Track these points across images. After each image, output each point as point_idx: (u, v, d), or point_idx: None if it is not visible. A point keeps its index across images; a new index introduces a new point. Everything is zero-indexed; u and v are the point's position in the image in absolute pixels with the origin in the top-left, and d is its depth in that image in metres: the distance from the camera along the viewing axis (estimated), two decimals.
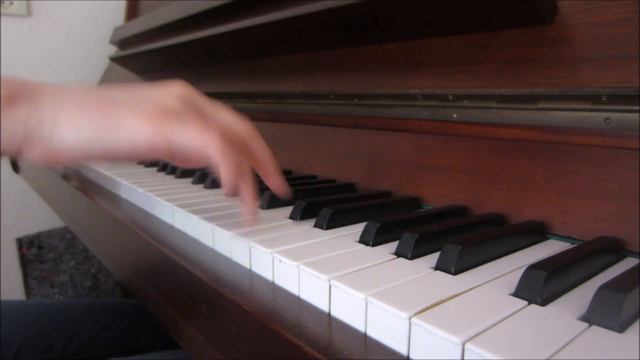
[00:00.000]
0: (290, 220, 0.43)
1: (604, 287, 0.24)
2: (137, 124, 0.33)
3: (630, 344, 0.22)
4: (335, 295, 0.29)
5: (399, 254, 0.34)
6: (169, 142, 0.33)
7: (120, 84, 0.37)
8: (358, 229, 0.40)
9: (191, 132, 0.33)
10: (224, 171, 0.34)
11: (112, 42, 1.27)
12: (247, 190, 0.38)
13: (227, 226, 0.40)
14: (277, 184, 0.42)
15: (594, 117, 0.38)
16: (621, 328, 0.23)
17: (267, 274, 0.35)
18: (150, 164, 0.78)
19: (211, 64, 0.93)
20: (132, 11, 1.39)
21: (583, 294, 0.28)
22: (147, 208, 0.55)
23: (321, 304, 0.30)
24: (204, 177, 0.61)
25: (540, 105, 0.41)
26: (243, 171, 0.36)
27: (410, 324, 0.24)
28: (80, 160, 0.34)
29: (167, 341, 0.77)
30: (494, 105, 0.44)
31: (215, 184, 0.58)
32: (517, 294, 0.27)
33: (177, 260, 0.39)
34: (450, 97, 0.48)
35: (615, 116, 0.37)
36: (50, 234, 1.37)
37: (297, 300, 0.31)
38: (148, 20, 1.04)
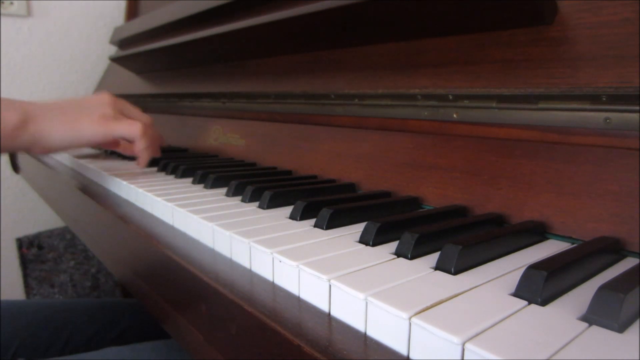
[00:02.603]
0: (290, 220, 0.43)
1: (604, 287, 0.24)
2: (93, 127, 0.60)
3: (630, 344, 0.22)
4: (335, 295, 0.29)
5: (399, 254, 0.34)
6: (113, 134, 0.61)
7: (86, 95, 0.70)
8: (358, 229, 0.40)
9: (124, 126, 0.62)
10: (143, 144, 0.63)
11: (112, 42, 1.27)
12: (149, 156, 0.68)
13: (227, 226, 0.40)
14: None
15: (594, 117, 0.38)
16: (621, 328, 0.23)
17: (267, 274, 0.35)
18: (150, 164, 0.78)
19: (211, 64, 0.93)
20: (132, 11, 1.38)
21: (583, 294, 0.28)
22: (147, 208, 0.55)
23: (321, 304, 0.30)
24: (204, 177, 0.61)
25: (540, 105, 0.41)
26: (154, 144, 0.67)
27: (410, 324, 0.24)
28: (63, 151, 0.66)
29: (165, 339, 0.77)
30: (494, 105, 0.44)
31: (215, 184, 0.58)
32: (517, 294, 0.27)
33: (177, 260, 0.39)
34: (450, 97, 0.48)
35: (615, 116, 0.37)
36: (50, 234, 1.37)
37: (297, 300, 0.31)
38: (148, 20, 1.04)
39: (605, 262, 0.33)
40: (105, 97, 0.65)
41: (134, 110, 0.68)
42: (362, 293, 0.27)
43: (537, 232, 0.39)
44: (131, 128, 0.62)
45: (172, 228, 0.48)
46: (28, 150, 0.59)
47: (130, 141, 0.66)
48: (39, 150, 0.59)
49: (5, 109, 0.55)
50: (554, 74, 0.40)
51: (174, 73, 1.06)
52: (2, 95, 1.29)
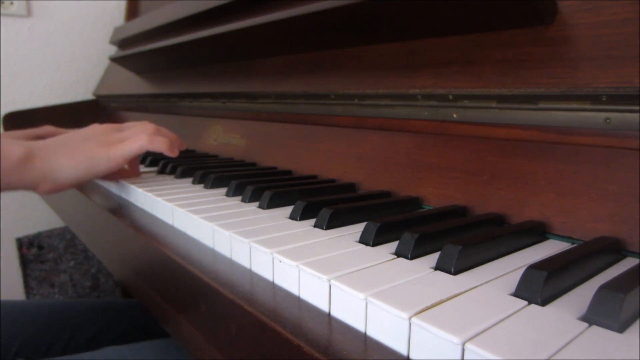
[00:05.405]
0: (290, 220, 0.43)
1: (604, 287, 0.24)
2: (105, 155, 0.56)
3: (630, 344, 0.22)
4: (335, 295, 0.29)
5: (399, 254, 0.34)
6: (125, 158, 0.57)
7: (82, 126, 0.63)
8: (358, 229, 0.40)
9: (130, 144, 0.57)
10: (160, 148, 0.59)
11: (112, 42, 1.27)
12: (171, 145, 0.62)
13: (227, 226, 0.40)
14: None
15: (594, 117, 0.38)
16: (621, 328, 0.23)
17: (267, 274, 0.35)
18: (150, 164, 0.78)
19: (211, 64, 0.93)
20: (132, 11, 1.38)
21: (583, 294, 0.28)
22: (147, 208, 0.55)
23: (321, 304, 0.30)
24: (204, 177, 0.61)
25: (540, 105, 0.41)
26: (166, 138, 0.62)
27: (410, 324, 0.24)
28: (73, 186, 0.59)
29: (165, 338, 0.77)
30: (494, 105, 0.44)
31: (215, 184, 0.58)
32: (517, 294, 0.27)
33: (177, 260, 0.39)
34: (450, 97, 0.48)
35: (615, 116, 0.37)
36: (50, 234, 1.37)
37: (297, 300, 0.31)
38: (148, 20, 1.04)
39: (605, 262, 0.33)
40: (98, 126, 0.62)
41: (131, 124, 0.64)
42: (362, 293, 0.27)
43: (537, 232, 0.39)
44: (138, 141, 0.58)
45: (172, 228, 0.48)
46: (35, 188, 0.53)
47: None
48: (49, 187, 0.53)
49: (7, 143, 0.51)
50: (554, 74, 0.40)
51: (174, 73, 1.06)
52: (2, 95, 1.29)
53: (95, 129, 0.61)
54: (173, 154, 0.61)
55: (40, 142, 0.55)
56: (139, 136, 0.58)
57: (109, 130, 0.61)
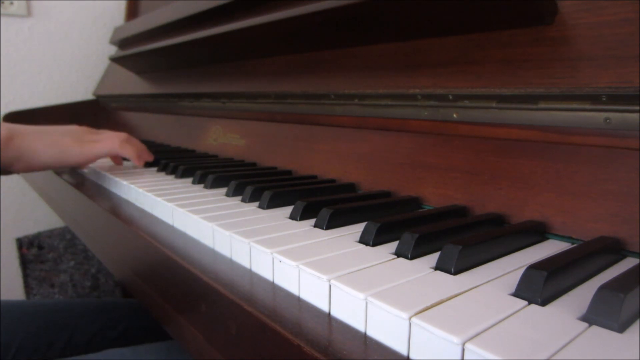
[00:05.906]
0: (290, 220, 0.43)
1: (604, 287, 0.24)
2: (78, 149, 0.64)
3: (630, 344, 0.22)
4: (335, 295, 0.29)
5: (399, 254, 0.34)
6: (95, 156, 0.67)
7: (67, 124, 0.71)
8: (358, 229, 0.40)
9: (103, 144, 0.67)
10: (128, 154, 0.69)
11: (112, 42, 1.27)
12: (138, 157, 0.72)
13: (227, 226, 0.40)
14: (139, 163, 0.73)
15: (594, 117, 0.38)
16: (621, 328, 0.23)
17: (267, 274, 0.35)
18: (150, 164, 0.78)
19: (211, 64, 0.93)
20: (132, 11, 1.38)
21: (583, 294, 0.28)
22: (147, 208, 0.55)
23: (321, 304, 0.30)
24: (204, 177, 0.61)
25: (540, 105, 0.41)
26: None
27: (410, 324, 0.24)
28: (45, 169, 0.67)
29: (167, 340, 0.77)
30: (494, 105, 0.44)
31: (215, 184, 0.58)
32: (517, 294, 0.27)
33: (177, 260, 0.39)
34: (450, 97, 0.48)
35: (615, 116, 0.37)
36: (50, 234, 1.37)
37: (297, 300, 0.31)
38: (148, 20, 1.04)
39: (605, 262, 0.33)
40: (77, 127, 0.70)
41: (106, 131, 0.73)
42: (362, 293, 0.27)
43: (537, 232, 0.39)
44: (110, 144, 0.68)
45: (172, 228, 0.48)
46: (10, 166, 0.61)
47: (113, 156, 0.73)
48: (22, 166, 0.61)
49: None
50: (554, 74, 0.40)
51: (174, 73, 1.05)
52: (2, 95, 1.29)
53: (73, 127, 0.69)
54: (139, 163, 0.71)
55: (21, 127, 0.62)
56: (111, 140, 0.67)
57: (85, 131, 0.69)
